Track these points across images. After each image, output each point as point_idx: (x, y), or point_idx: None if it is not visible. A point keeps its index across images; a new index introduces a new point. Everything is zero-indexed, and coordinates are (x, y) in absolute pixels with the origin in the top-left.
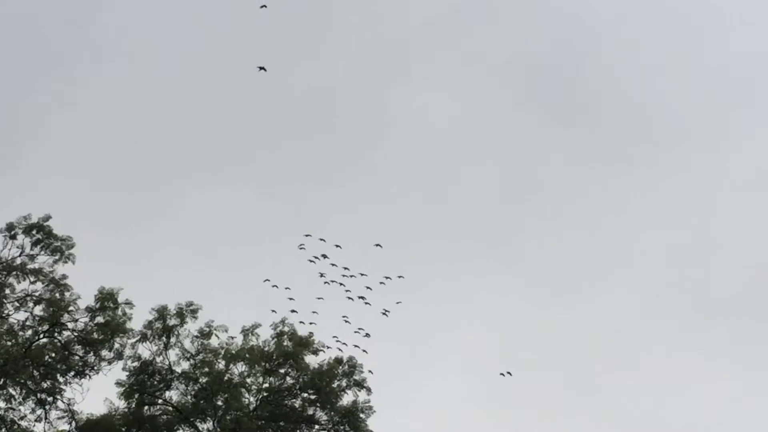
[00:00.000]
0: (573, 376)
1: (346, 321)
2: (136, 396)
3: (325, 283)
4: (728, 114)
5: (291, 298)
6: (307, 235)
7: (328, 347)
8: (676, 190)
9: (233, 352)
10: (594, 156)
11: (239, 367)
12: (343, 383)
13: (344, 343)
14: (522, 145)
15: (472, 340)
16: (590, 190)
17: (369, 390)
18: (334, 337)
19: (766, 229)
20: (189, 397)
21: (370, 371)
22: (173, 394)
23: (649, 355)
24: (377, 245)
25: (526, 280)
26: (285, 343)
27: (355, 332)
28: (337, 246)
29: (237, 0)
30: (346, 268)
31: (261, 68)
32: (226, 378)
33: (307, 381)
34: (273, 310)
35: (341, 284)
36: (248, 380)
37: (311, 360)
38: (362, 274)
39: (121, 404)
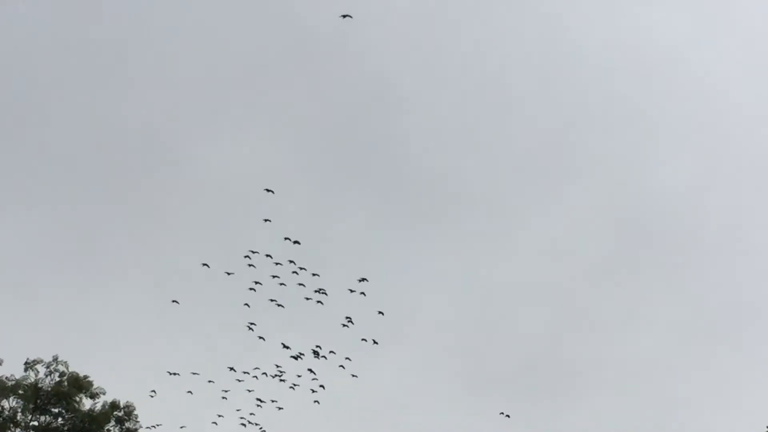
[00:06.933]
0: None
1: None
2: None
3: None
4: (523, 185)
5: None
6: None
7: (103, 393)
8: (465, 258)
9: (7, 385)
10: (389, 219)
11: (11, 402)
12: (116, 430)
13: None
14: (321, 204)
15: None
16: (382, 251)
17: None
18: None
19: (549, 302)
20: None
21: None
22: None
23: (418, 419)
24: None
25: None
26: (63, 383)
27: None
28: (296, 242)
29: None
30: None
31: (345, 15)
32: None
33: (78, 423)
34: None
35: None
36: (18, 416)
37: (87, 402)
38: (314, 274)
39: None
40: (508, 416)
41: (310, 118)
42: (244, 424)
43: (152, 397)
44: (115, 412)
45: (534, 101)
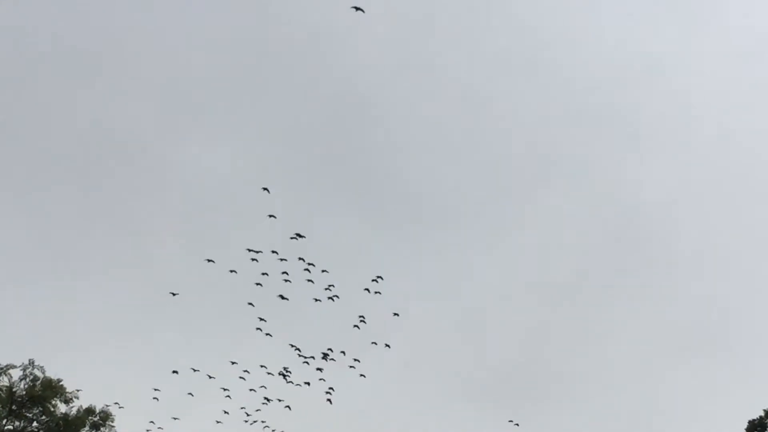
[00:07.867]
0: None
1: None
2: None
3: None
4: (511, 193)
5: None
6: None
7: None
8: (446, 267)
9: None
10: (383, 223)
11: None
12: None
13: None
14: (300, 208)
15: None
16: (381, 253)
17: None
18: None
19: (528, 309)
20: None
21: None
22: None
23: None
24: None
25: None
26: (36, 386)
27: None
28: (300, 236)
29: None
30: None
31: (357, 8)
32: None
33: (53, 427)
34: None
35: None
36: None
37: (62, 407)
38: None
39: None
40: (517, 425)
41: (307, 123)
42: (248, 422)
43: (156, 399)
44: (90, 418)
45: (520, 110)
